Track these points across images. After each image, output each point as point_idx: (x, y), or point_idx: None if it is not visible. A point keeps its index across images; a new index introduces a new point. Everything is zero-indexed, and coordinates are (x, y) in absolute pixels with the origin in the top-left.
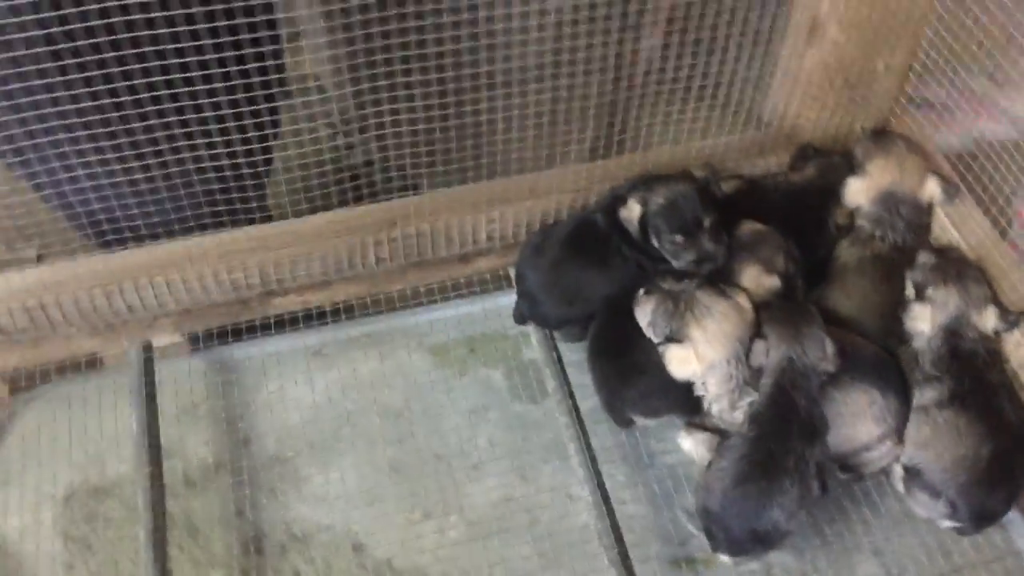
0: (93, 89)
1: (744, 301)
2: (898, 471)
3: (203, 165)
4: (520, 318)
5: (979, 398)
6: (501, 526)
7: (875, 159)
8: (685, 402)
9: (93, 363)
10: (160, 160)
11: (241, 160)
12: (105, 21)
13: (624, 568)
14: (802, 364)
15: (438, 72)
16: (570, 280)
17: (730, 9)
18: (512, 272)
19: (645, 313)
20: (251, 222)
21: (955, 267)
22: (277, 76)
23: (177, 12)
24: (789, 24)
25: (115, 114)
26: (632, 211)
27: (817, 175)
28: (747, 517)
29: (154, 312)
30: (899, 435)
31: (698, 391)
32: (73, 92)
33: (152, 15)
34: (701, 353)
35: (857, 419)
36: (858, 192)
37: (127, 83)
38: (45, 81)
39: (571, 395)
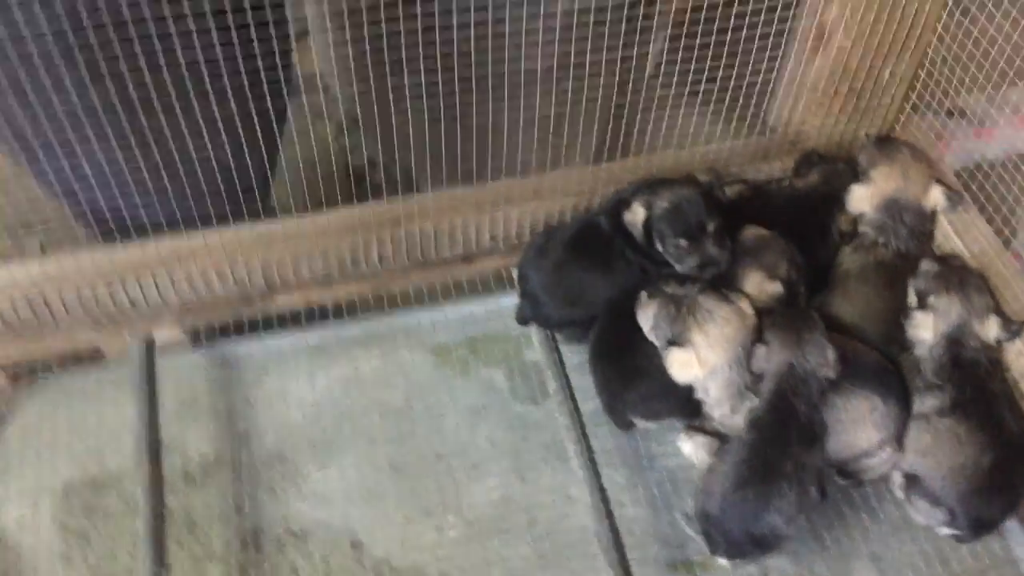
0: (101, 82)
1: (746, 306)
2: (897, 478)
3: (208, 160)
4: (522, 319)
5: (980, 407)
6: (500, 526)
7: (879, 166)
8: (686, 405)
9: (94, 356)
10: (166, 155)
11: (247, 156)
12: (115, 13)
13: (622, 570)
14: (803, 370)
15: (445, 72)
16: (573, 282)
17: (738, 15)
18: (515, 273)
19: (647, 316)
20: (255, 219)
21: (958, 276)
22: (285, 73)
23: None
24: (796, 30)
25: (122, 107)
26: (636, 214)
27: (821, 181)
28: (745, 520)
29: (156, 307)
30: (899, 442)
31: (699, 395)
32: (81, 85)
33: (162, 8)
34: (703, 357)
35: (857, 425)
36: (862, 199)
37: (135, 76)
38: (53, 73)
39: (572, 397)
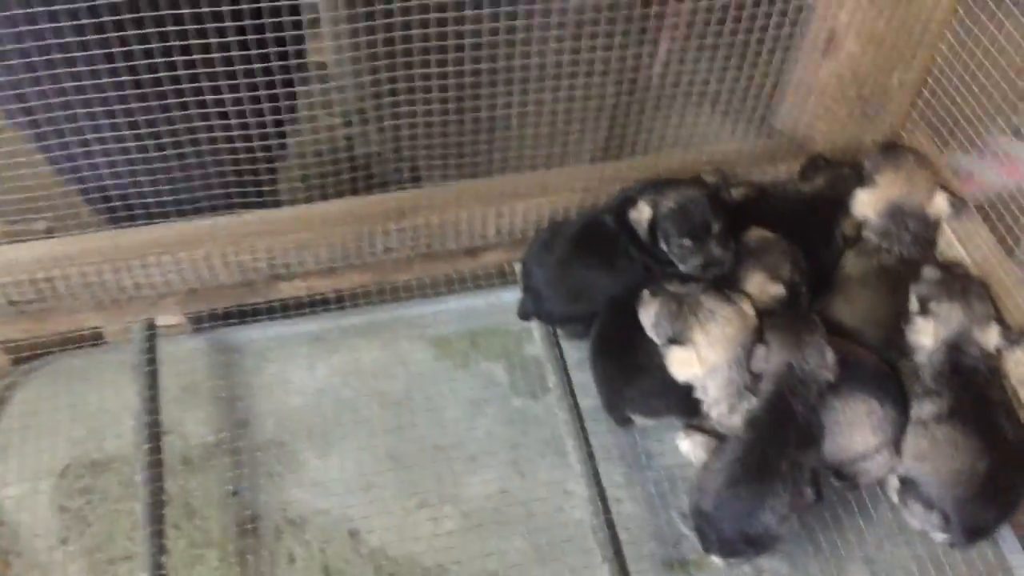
0: (113, 65)
1: (748, 307)
2: (894, 482)
3: (218, 146)
4: (524, 314)
5: (978, 414)
6: (496, 518)
7: (885, 172)
8: (685, 404)
9: (96, 338)
10: (175, 140)
11: (256, 143)
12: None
13: (618, 565)
14: (802, 371)
15: (455, 65)
16: (576, 278)
17: (747, 17)
18: (518, 268)
19: (649, 314)
20: (262, 207)
21: (960, 283)
22: (297, 61)
23: None
24: (806, 35)
25: (134, 91)
26: (642, 213)
27: (826, 185)
28: (739, 519)
29: (160, 290)
30: (896, 446)
31: (698, 394)
32: (93, 67)
33: None
34: (703, 356)
35: (855, 428)
36: (866, 204)
37: (147, 60)
38: (65, 56)
39: (572, 392)
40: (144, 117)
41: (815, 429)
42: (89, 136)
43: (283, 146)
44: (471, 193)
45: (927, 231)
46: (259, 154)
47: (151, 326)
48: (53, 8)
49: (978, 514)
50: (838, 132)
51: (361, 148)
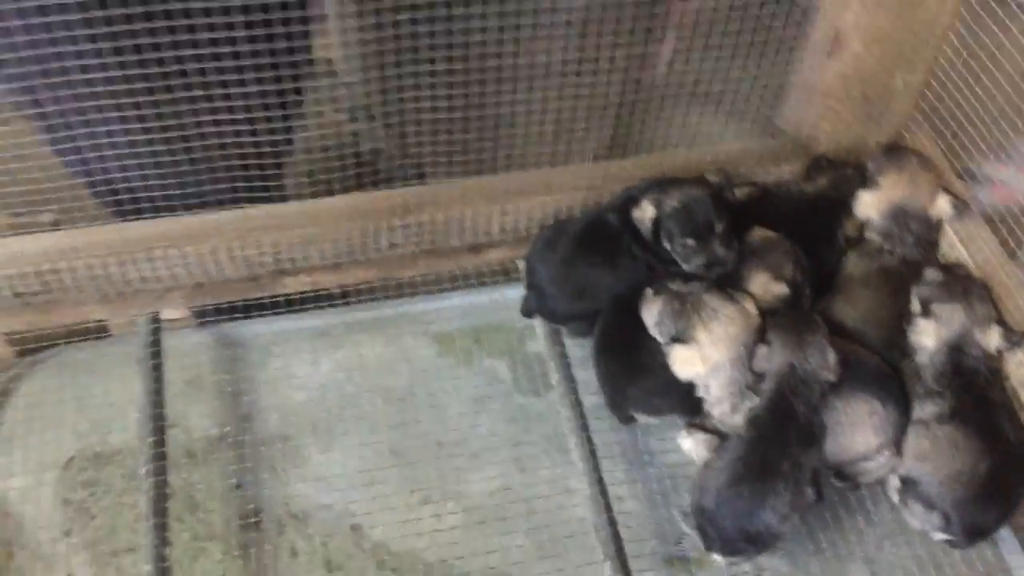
0: (122, 58)
1: (751, 306)
2: (894, 482)
3: (225, 141)
4: (527, 311)
5: (979, 415)
6: (498, 515)
7: (888, 173)
8: (687, 402)
9: (101, 331)
10: (183, 134)
11: (263, 138)
12: None
13: (619, 563)
14: (803, 371)
15: (462, 63)
16: (579, 276)
17: (753, 17)
18: (521, 265)
19: (652, 313)
20: (268, 201)
21: (961, 284)
22: (304, 56)
23: None
24: (811, 35)
25: (142, 84)
26: (645, 212)
27: (829, 186)
28: (740, 517)
29: (166, 284)
30: (898, 447)
31: (700, 393)
32: (102, 60)
33: None
34: (706, 355)
35: (856, 428)
36: (869, 205)
37: (156, 54)
38: (75, 48)
39: (574, 390)
40: (152, 111)
41: (817, 429)
42: (97, 129)
43: (289, 141)
44: (476, 190)
45: (929, 233)
46: (265, 149)
47: (156, 319)
48: None
49: (978, 515)
50: (842, 133)
51: (367, 144)
